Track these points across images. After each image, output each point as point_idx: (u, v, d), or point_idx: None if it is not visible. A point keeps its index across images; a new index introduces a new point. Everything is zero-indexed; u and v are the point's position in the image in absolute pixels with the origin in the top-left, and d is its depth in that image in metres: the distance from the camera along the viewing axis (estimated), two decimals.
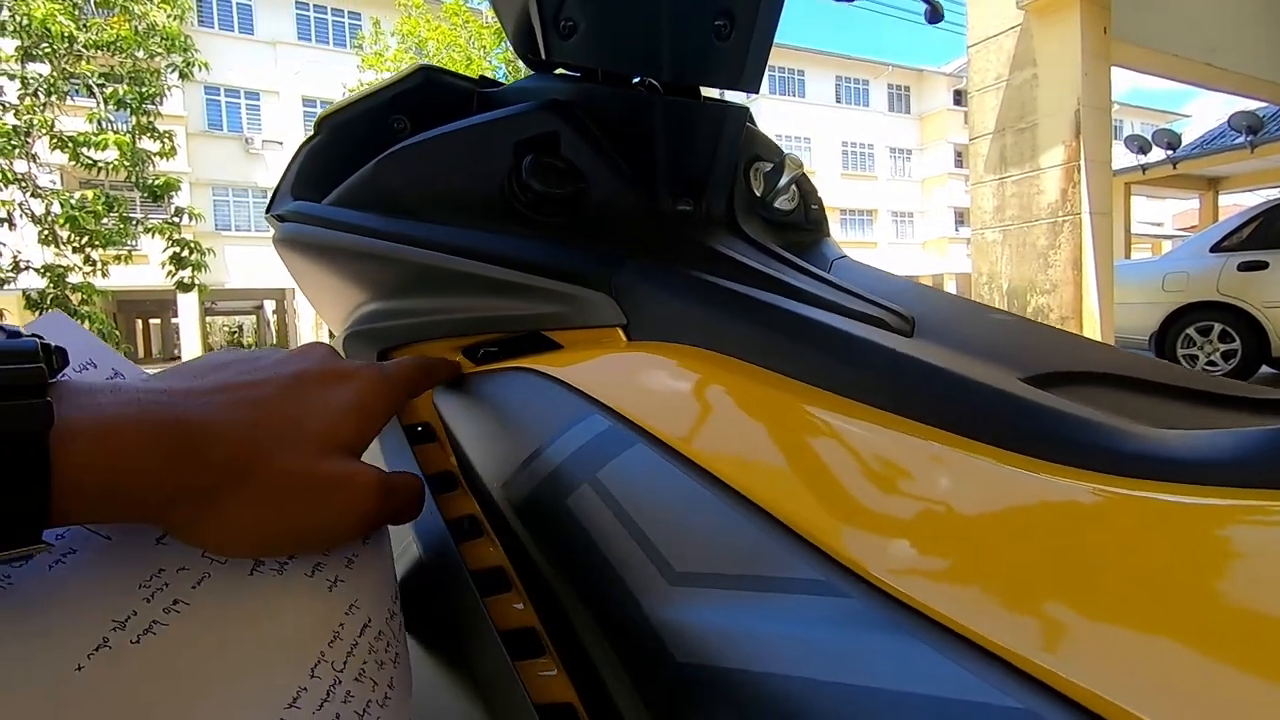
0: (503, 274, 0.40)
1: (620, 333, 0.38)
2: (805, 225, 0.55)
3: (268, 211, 0.51)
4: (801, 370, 0.31)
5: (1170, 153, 10.23)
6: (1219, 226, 5.90)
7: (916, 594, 0.20)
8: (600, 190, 0.45)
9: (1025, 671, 0.17)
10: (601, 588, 0.27)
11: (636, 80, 0.49)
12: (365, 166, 0.46)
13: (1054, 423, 0.25)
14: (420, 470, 0.39)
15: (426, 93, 0.51)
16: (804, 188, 0.56)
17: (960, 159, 26.88)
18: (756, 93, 0.48)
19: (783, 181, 0.51)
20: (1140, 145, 10.34)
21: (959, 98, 27.03)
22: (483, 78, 0.55)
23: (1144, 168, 10.51)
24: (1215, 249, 5.56)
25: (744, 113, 0.49)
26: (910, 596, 0.20)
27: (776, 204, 0.52)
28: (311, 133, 0.51)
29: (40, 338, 0.22)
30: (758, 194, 0.52)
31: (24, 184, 6.28)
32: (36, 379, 0.20)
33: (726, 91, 0.49)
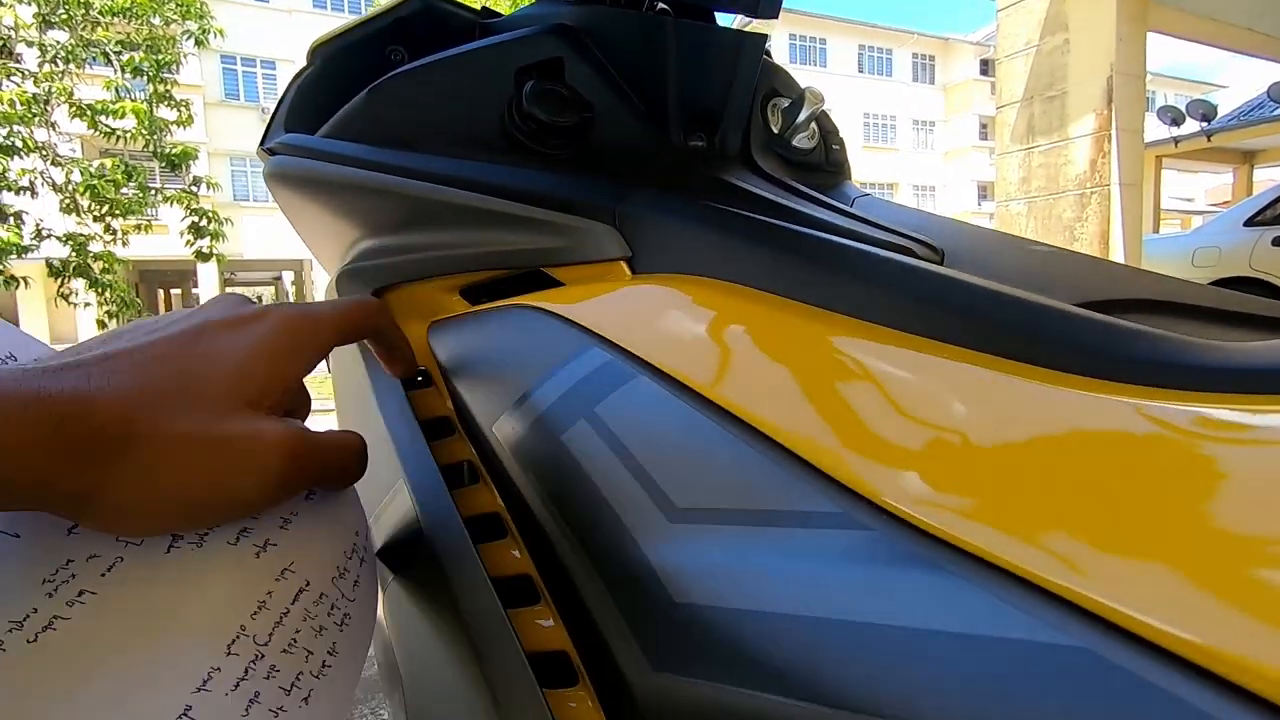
0: (501, 206, 0.38)
1: (624, 266, 0.36)
2: (825, 166, 0.51)
3: (259, 146, 0.48)
4: (821, 297, 0.28)
5: (1205, 124, 9.89)
6: (1253, 200, 5.71)
7: (947, 525, 0.18)
8: (606, 121, 0.42)
9: (1079, 605, 0.15)
10: (598, 528, 0.25)
11: (647, 5, 0.46)
12: (359, 95, 0.43)
13: (1116, 339, 0.22)
14: (415, 418, 0.37)
15: (426, 21, 0.48)
16: (824, 126, 0.52)
17: (985, 131, 26.20)
18: (775, 18, 0.45)
19: (802, 117, 0.48)
20: (1174, 117, 9.98)
21: (985, 67, 26.27)
22: (485, 9, 0.53)
23: (1176, 140, 10.17)
24: (1249, 223, 5.39)
25: (762, 41, 0.46)
26: (939, 528, 0.18)
27: (795, 141, 0.49)
28: (304, 63, 0.48)
29: None
30: (775, 131, 0.49)
31: (45, 152, 6.32)
32: None
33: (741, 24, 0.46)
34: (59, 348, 0.25)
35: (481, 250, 0.40)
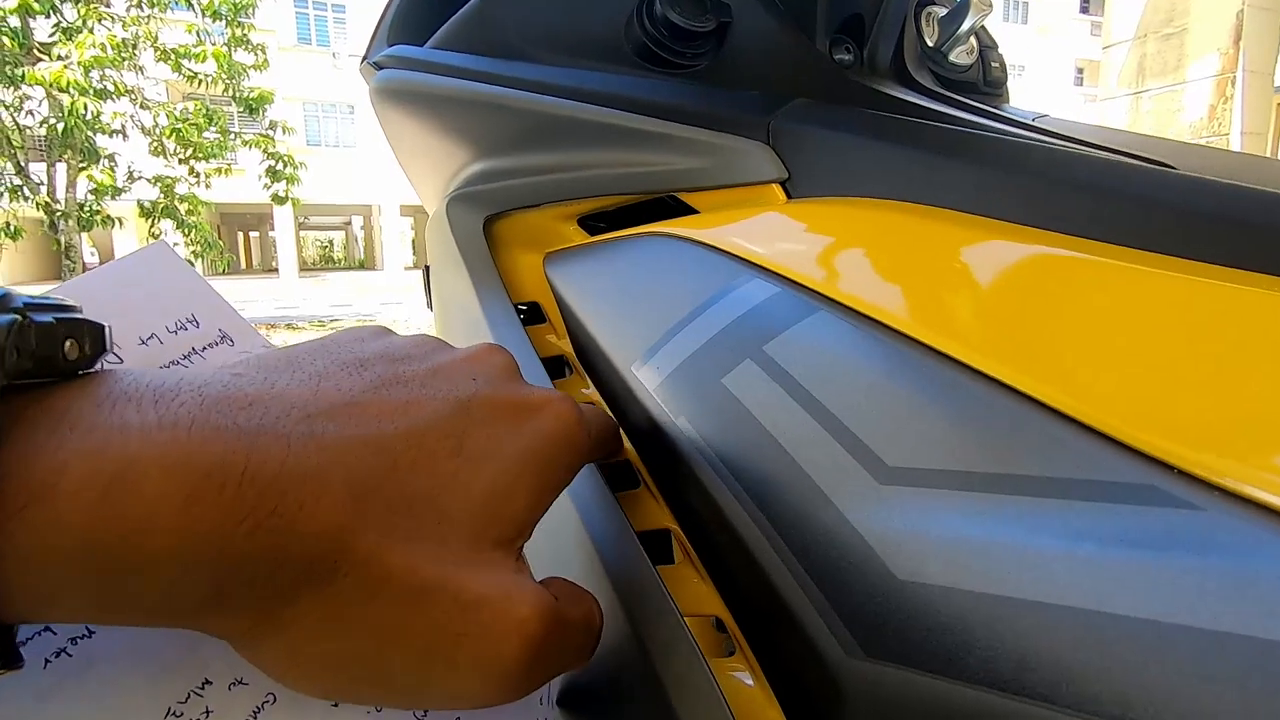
0: (634, 121, 0.34)
1: (778, 189, 0.31)
2: (983, 87, 0.45)
3: (362, 60, 0.45)
4: (1043, 215, 0.23)
5: None
6: None
7: None
8: (747, 27, 0.37)
9: None
10: (778, 486, 0.22)
11: None
12: (470, 2, 0.39)
13: None
14: (538, 356, 0.34)
15: None
16: (983, 40, 0.46)
17: (1081, 76, 24.20)
18: None
19: (964, 27, 0.42)
20: None
21: (1086, 5, 24.08)
22: None
23: None
24: None
25: None
26: None
27: (952, 57, 0.43)
28: None
29: (71, 312, 0.14)
30: (930, 43, 0.43)
31: (134, 96, 6.57)
32: None
33: None
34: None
35: (607, 173, 0.36)
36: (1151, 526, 0.15)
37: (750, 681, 0.24)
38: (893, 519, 0.18)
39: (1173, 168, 0.30)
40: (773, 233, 0.28)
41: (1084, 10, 24.31)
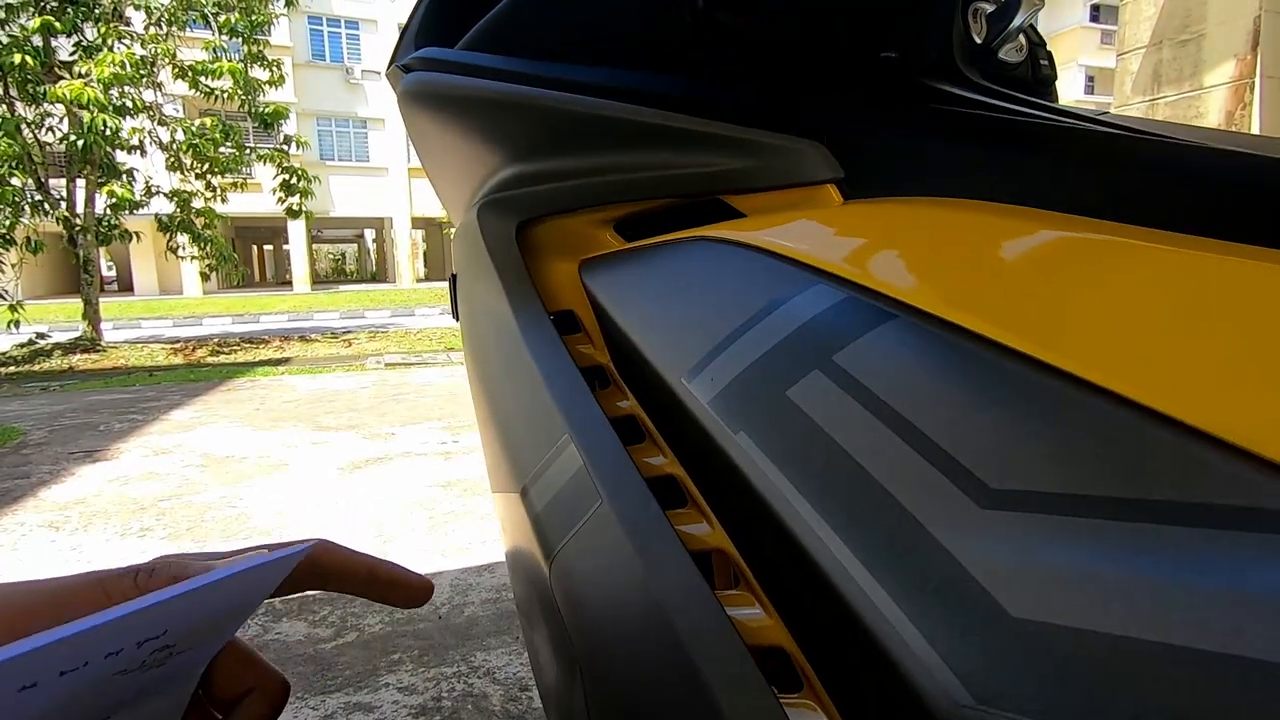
0: (677, 120, 0.32)
1: (833, 190, 0.29)
2: (1032, 84, 0.43)
3: (390, 64, 0.44)
4: (1129, 211, 0.22)
5: None
6: None
7: None
8: (793, 25, 0.35)
9: None
10: (861, 509, 0.20)
11: None
12: (502, 2, 0.38)
13: None
14: (577, 368, 0.33)
15: None
16: (1031, 37, 0.44)
17: (1092, 84, 24.05)
18: None
19: (1015, 23, 0.40)
20: None
21: (1096, 13, 23.97)
22: None
23: None
24: None
25: None
26: None
27: (1001, 54, 0.41)
28: None
29: None
30: (978, 40, 0.41)
31: (152, 112, 6.66)
32: None
33: None
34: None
35: (647, 175, 0.34)
36: None
37: (819, 716, 0.22)
38: (1001, 548, 0.16)
39: (1262, 154, 0.28)
40: (833, 235, 0.27)
41: (1094, 19, 24.22)
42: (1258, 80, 3.88)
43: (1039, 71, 0.44)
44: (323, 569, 0.22)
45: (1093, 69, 23.74)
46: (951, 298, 0.21)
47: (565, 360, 0.34)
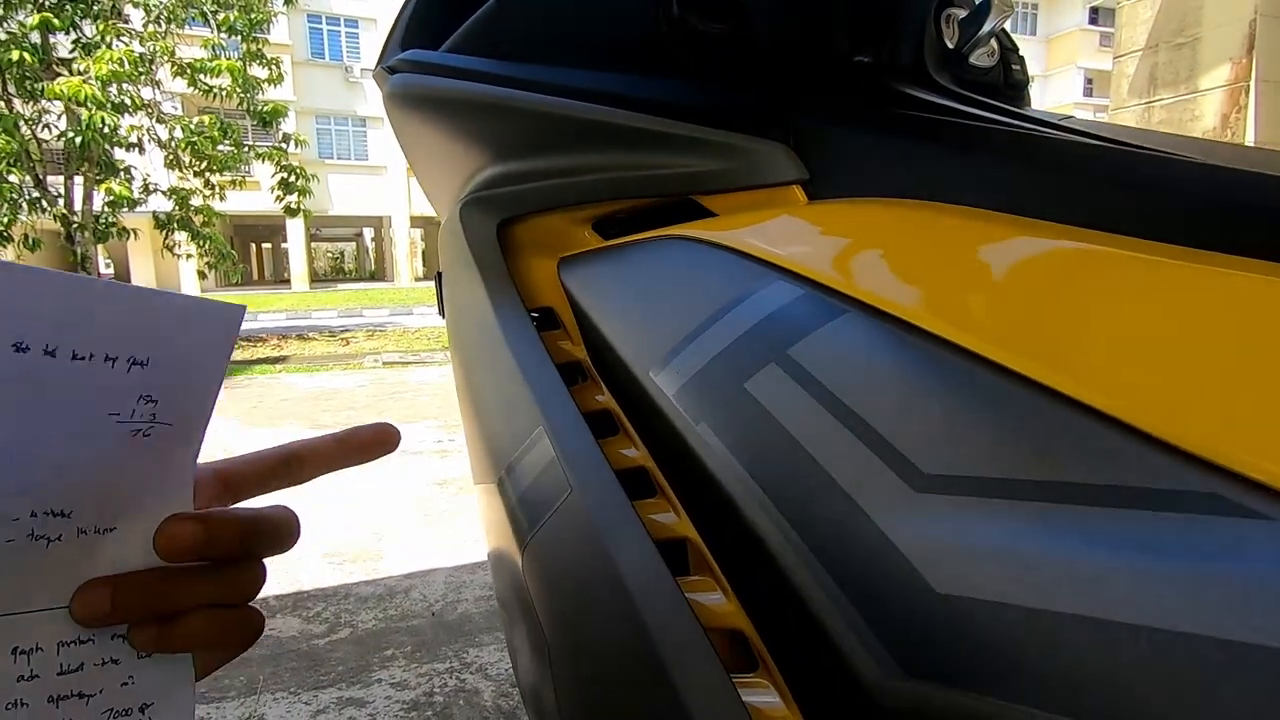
0: (652, 123, 0.33)
1: (799, 191, 0.30)
2: (1004, 89, 0.44)
3: (377, 65, 0.45)
4: (1079, 214, 0.23)
5: None
6: None
7: None
8: (766, 29, 0.36)
9: None
10: (806, 494, 0.21)
11: None
12: (486, 5, 0.39)
13: None
14: (553, 362, 0.34)
15: None
16: (1004, 42, 0.45)
17: (1090, 87, 24.10)
18: None
19: (985, 29, 0.41)
20: None
21: (1095, 16, 24.02)
22: None
23: None
24: None
25: None
26: None
27: (973, 59, 0.42)
28: None
29: None
30: (950, 45, 0.42)
31: (150, 110, 6.66)
32: None
33: None
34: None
35: (624, 176, 0.35)
36: (1218, 537, 0.14)
37: (776, 700, 0.23)
38: (930, 529, 0.17)
39: (1213, 164, 0.29)
40: (795, 234, 0.28)
41: (1093, 22, 24.28)
42: (1253, 84, 3.89)
43: (1011, 76, 0.45)
44: (295, 455, 0.25)
45: (1091, 71, 23.80)
46: (899, 295, 0.22)
47: (541, 355, 0.35)
